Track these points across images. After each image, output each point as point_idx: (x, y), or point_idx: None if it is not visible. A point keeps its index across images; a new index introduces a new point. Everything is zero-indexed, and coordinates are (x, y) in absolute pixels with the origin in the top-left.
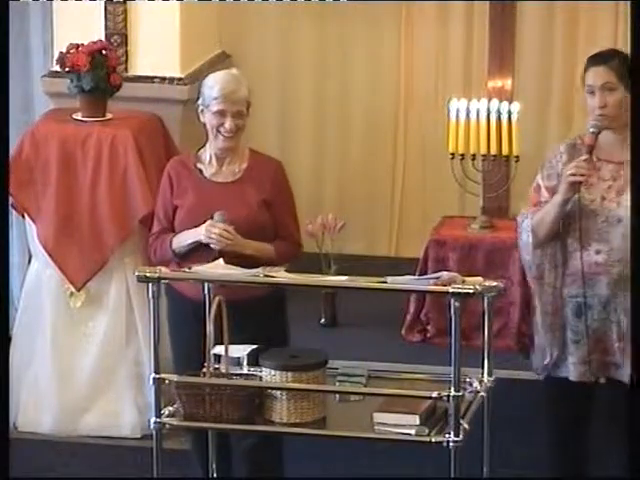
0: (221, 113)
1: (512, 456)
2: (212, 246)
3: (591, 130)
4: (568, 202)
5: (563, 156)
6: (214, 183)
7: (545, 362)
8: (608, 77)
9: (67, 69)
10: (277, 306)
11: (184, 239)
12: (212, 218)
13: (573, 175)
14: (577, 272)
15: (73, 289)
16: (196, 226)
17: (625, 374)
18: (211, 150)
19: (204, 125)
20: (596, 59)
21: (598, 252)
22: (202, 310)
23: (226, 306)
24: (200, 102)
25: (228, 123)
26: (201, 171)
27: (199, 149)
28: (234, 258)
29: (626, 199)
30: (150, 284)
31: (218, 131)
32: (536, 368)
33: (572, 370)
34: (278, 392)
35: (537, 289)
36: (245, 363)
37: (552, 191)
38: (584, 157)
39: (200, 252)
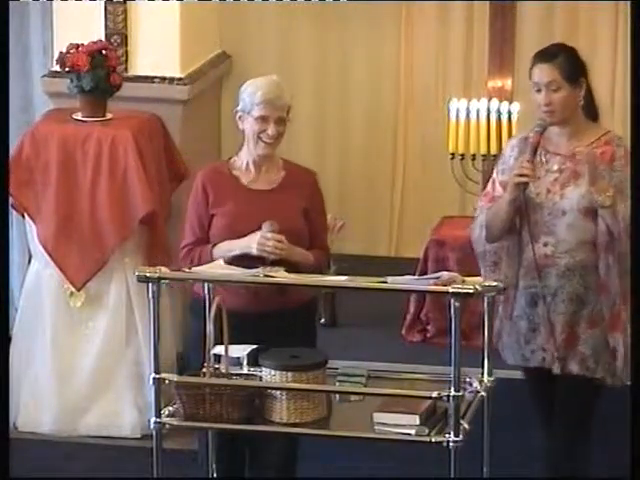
0: (264, 119)
1: (512, 456)
2: (266, 257)
3: (536, 129)
4: (516, 200)
5: (515, 150)
6: (253, 191)
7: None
8: (553, 75)
9: (67, 69)
10: (308, 318)
11: (227, 249)
12: (260, 228)
13: (518, 176)
14: (530, 264)
15: (73, 289)
16: (238, 234)
17: (565, 367)
18: (249, 157)
19: (243, 132)
20: (542, 56)
21: (546, 244)
22: (238, 319)
23: (257, 317)
24: (240, 108)
25: (271, 129)
26: (238, 178)
27: (230, 157)
28: (278, 265)
29: (570, 191)
30: (150, 284)
31: (259, 137)
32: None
33: (531, 357)
34: (278, 392)
35: (490, 277)
36: (245, 363)
37: (505, 186)
38: (528, 157)
39: (245, 261)
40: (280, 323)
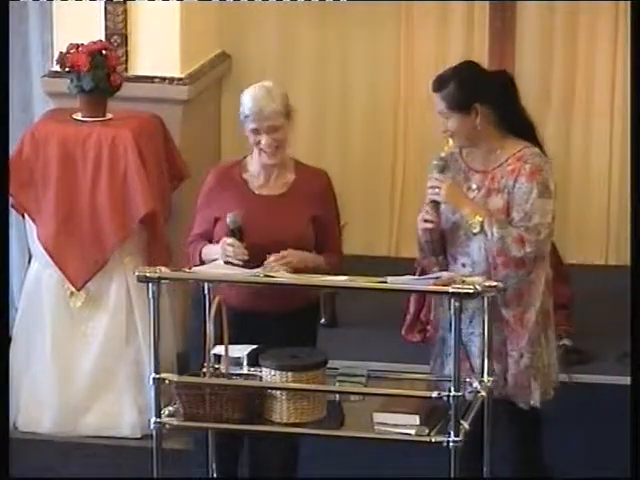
0: (254, 131)
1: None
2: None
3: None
4: (428, 242)
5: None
6: (260, 197)
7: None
8: (440, 106)
9: (67, 69)
10: (310, 319)
11: (207, 253)
12: (266, 237)
13: (423, 221)
14: None
15: (73, 289)
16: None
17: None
18: (258, 163)
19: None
20: (434, 84)
21: (464, 265)
22: (243, 319)
23: (259, 317)
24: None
25: (264, 140)
26: (246, 183)
27: (245, 156)
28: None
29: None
30: (150, 284)
31: (258, 148)
32: None
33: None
34: (278, 392)
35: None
36: (245, 363)
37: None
38: (429, 206)
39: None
40: (282, 324)
